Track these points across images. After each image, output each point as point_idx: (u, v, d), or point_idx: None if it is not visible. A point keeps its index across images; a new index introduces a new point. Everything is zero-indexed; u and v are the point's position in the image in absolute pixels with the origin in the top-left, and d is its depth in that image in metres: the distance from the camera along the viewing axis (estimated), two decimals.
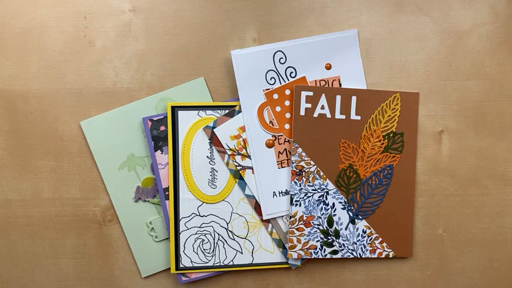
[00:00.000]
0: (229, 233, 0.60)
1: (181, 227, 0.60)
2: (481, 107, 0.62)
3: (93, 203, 0.61)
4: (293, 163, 0.59)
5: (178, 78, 0.61)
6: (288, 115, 0.60)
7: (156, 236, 0.61)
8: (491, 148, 0.62)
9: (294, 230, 0.59)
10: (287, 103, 0.60)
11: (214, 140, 0.60)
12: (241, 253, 0.60)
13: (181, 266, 0.60)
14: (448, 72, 0.62)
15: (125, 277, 0.62)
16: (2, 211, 0.61)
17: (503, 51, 0.62)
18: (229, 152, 0.60)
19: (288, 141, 0.60)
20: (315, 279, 0.62)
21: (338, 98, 0.59)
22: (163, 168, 0.60)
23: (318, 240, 0.60)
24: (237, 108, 0.60)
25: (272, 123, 0.60)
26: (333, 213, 0.60)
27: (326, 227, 0.60)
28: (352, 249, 0.60)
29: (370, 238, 0.60)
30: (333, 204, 0.60)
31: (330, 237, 0.60)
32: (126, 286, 0.62)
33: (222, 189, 0.60)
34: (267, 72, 0.60)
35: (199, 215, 0.60)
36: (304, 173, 0.59)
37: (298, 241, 0.59)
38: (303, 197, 0.59)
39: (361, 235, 0.60)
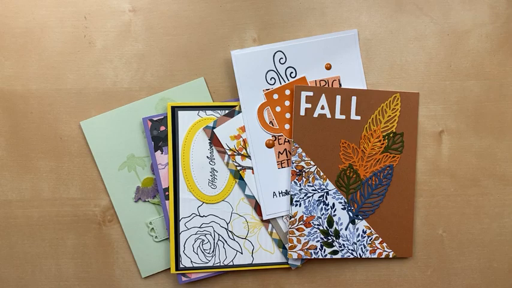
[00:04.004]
0: (229, 233, 0.60)
1: (181, 227, 0.60)
2: (481, 107, 0.62)
3: (93, 203, 0.61)
4: (293, 163, 0.59)
5: (178, 78, 0.61)
6: (288, 115, 0.60)
7: (156, 236, 0.61)
8: (491, 148, 0.62)
9: (294, 230, 0.59)
10: (287, 103, 0.60)
11: (214, 140, 0.60)
12: (241, 253, 0.60)
13: (181, 266, 0.60)
14: (448, 72, 0.62)
15: (125, 277, 0.62)
16: (2, 211, 0.61)
17: (503, 51, 0.62)
18: (229, 152, 0.60)
19: (288, 141, 0.60)
20: (315, 279, 0.62)
21: (338, 98, 0.59)
22: (163, 169, 0.60)
23: (318, 241, 0.60)
24: (237, 108, 0.60)
25: (272, 124, 0.60)
26: (333, 214, 0.60)
27: (326, 227, 0.60)
28: (352, 250, 0.60)
29: (370, 238, 0.60)
30: (333, 204, 0.60)
31: (330, 238, 0.60)
32: (126, 286, 0.62)
33: (222, 189, 0.60)
34: (267, 73, 0.60)
35: (199, 215, 0.60)
36: (304, 173, 0.59)
37: (298, 241, 0.59)
38: (303, 197, 0.59)
39: (361, 235, 0.60)
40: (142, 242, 0.61)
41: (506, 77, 0.62)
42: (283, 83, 0.60)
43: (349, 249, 0.60)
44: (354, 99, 0.60)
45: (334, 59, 0.61)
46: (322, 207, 0.60)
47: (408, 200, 0.61)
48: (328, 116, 0.60)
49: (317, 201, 0.60)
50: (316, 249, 0.60)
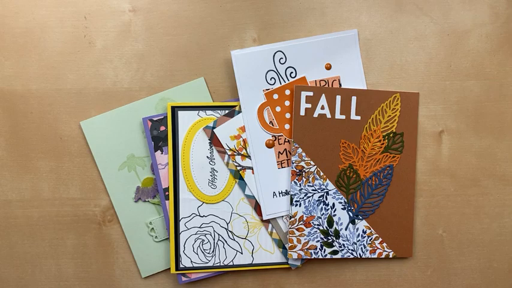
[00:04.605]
0: (229, 233, 0.60)
1: (181, 227, 0.60)
2: (481, 107, 0.62)
3: (93, 203, 0.61)
4: (293, 163, 0.59)
5: (178, 78, 0.61)
6: (288, 115, 0.60)
7: (156, 236, 0.61)
8: (491, 148, 0.62)
9: (294, 230, 0.59)
10: (287, 103, 0.60)
11: (214, 140, 0.60)
12: (241, 253, 0.60)
13: (181, 266, 0.60)
14: (448, 72, 0.62)
15: (125, 277, 0.62)
16: (2, 211, 0.61)
17: (503, 51, 0.62)
18: (229, 152, 0.60)
19: (288, 141, 0.60)
20: (315, 279, 0.62)
21: (338, 98, 0.59)
22: (163, 169, 0.60)
23: (318, 241, 0.60)
24: (237, 108, 0.60)
25: (272, 124, 0.60)
26: (333, 214, 0.60)
27: (326, 227, 0.60)
28: (352, 250, 0.60)
29: (370, 238, 0.60)
30: (333, 204, 0.60)
31: (330, 238, 0.60)
32: (126, 286, 0.62)
33: (222, 189, 0.60)
34: (267, 73, 0.60)
35: (199, 215, 0.60)
36: (304, 173, 0.59)
37: (298, 241, 0.59)
38: (303, 197, 0.59)
39: (361, 235, 0.60)
40: (142, 242, 0.61)
41: (506, 77, 0.62)
42: (283, 83, 0.60)
43: (349, 249, 0.60)
44: (354, 99, 0.60)
45: (334, 59, 0.61)
46: (322, 207, 0.60)
47: (408, 200, 0.61)
48: (328, 116, 0.60)
49: (317, 201, 0.60)
50: (316, 249, 0.60)
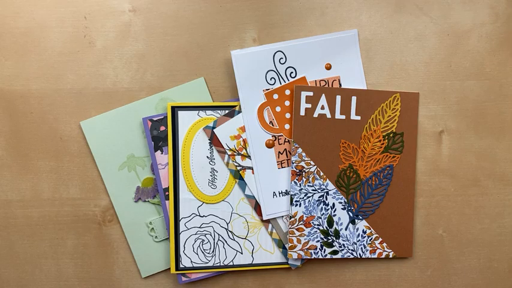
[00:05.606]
0: (229, 233, 0.60)
1: (181, 227, 0.60)
2: (481, 107, 0.62)
3: (93, 203, 0.61)
4: (293, 163, 0.59)
5: (178, 78, 0.61)
6: (288, 115, 0.60)
7: (156, 236, 0.61)
8: (491, 148, 0.62)
9: (294, 230, 0.59)
10: (287, 103, 0.60)
11: (214, 140, 0.60)
12: (241, 253, 0.60)
13: (181, 266, 0.60)
14: (448, 72, 0.62)
15: (125, 277, 0.62)
16: (2, 211, 0.61)
17: (503, 51, 0.62)
18: (229, 152, 0.60)
19: (288, 141, 0.60)
20: (315, 279, 0.62)
21: (338, 98, 0.59)
22: (163, 169, 0.60)
23: (318, 241, 0.60)
24: (237, 108, 0.60)
25: (272, 124, 0.60)
26: (333, 214, 0.60)
27: (326, 227, 0.60)
28: (352, 250, 0.60)
29: (370, 238, 0.60)
30: (333, 204, 0.60)
31: (330, 238, 0.60)
32: (126, 286, 0.62)
33: (222, 189, 0.60)
34: (267, 73, 0.60)
35: (199, 215, 0.60)
36: (304, 173, 0.59)
37: (298, 241, 0.59)
38: (303, 197, 0.59)
39: (361, 235, 0.60)
40: (142, 242, 0.61)
41: (506, 77, 0.62)
42: (283, 83, 0.60)
43: (349, 249, 0.60)
44: (354, 99, 0.60)
45: (334, 59, 0.61)
46: (322, 207, 0.60)
47: (408, 200, 0.61)
48: (328, 116, 0.60)
49: (317, 201, 0.60)
50: (316, 249, 0.60)
